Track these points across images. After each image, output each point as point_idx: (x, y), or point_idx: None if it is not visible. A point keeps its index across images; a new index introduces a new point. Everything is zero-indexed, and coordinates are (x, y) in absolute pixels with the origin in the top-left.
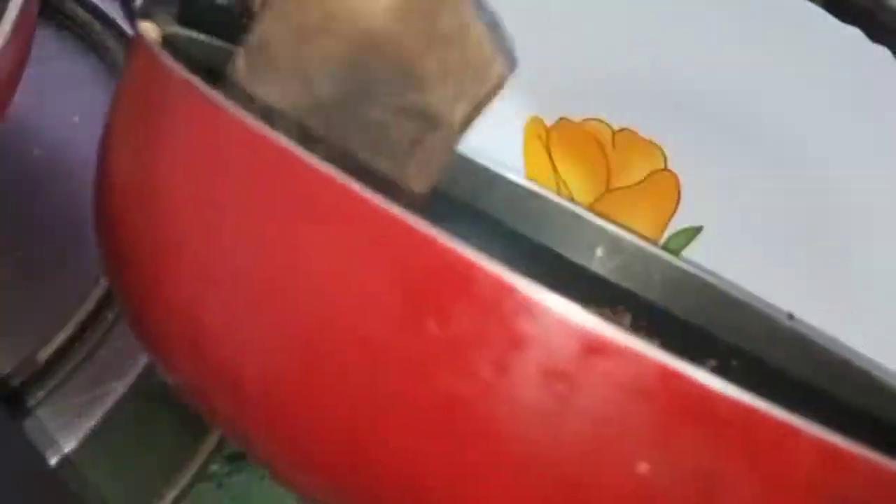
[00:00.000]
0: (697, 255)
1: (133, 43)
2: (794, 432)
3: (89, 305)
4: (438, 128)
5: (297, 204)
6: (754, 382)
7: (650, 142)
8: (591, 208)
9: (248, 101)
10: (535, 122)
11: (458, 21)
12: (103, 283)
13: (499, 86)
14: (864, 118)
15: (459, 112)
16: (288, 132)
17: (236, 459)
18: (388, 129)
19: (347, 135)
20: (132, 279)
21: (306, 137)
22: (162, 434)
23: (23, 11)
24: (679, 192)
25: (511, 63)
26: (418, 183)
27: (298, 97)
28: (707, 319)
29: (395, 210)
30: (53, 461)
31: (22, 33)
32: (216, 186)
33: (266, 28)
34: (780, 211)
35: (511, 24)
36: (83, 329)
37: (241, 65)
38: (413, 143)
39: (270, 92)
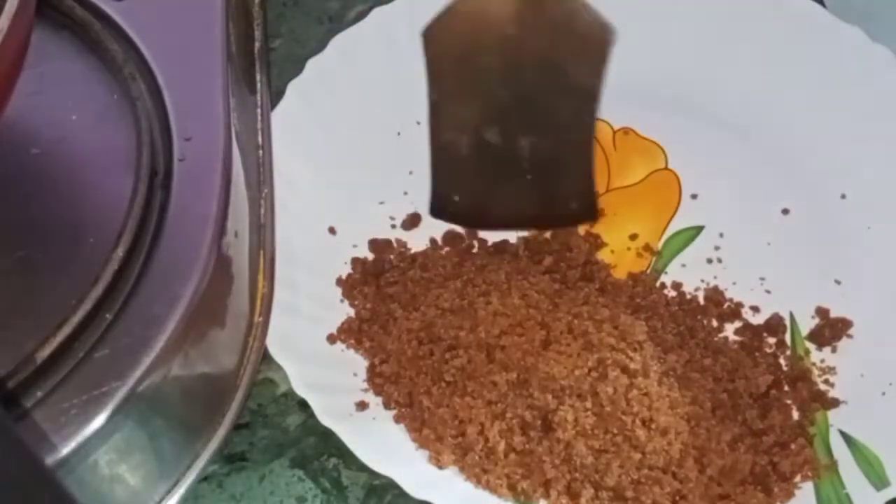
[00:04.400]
0: (698, 255)
1: None
2: None
3: (87, 306)
4: (587, 98)
5: None
6: None
7: (650, 141)
8: None
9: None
10: None
11: (566, 7)
12: (102, 283)
13: (611, 44)
14: (865, 117)
15: (597, 80)
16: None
17: (236, 459)
18: (556, 112)
19: (523, 132)
20: None
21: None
22: (162, 434)
23: (20, 7)
24: (680, 192)
25: (610, 26)
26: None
27: (480, 112)
28: None
29: None
30: (50, 462)
31: (20, 29)
32: None
33: (438, 67)
34: (781, 210)
35: None
36: (81, 329)
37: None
38: (575, 115)
39: (458, 113)
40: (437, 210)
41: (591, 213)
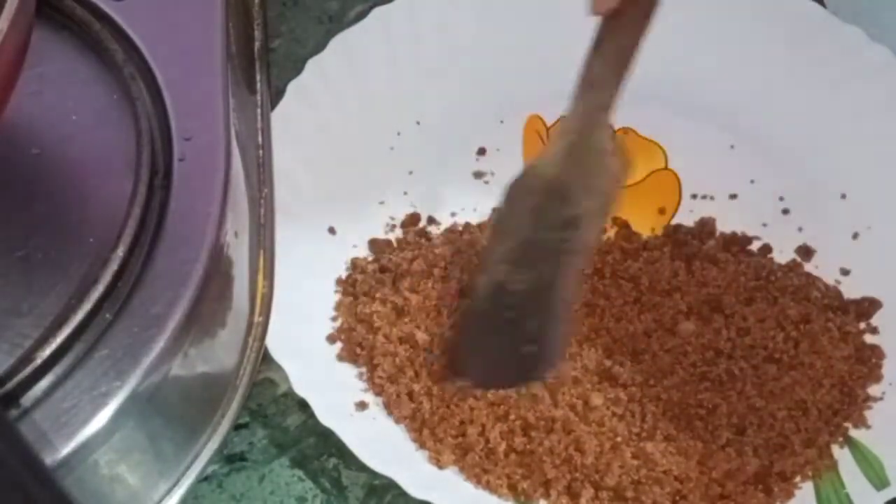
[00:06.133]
0: None
1: None
2: None
3: (87, 306)
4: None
5: None
6: None
7: (650, 141)
8: None
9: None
10: (535, 120)
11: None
12: (102, 283)
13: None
14: (865, 117)
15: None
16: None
17: (236, 460)
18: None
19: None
20: None
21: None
22: (162, 434)
23: (20, 7)
24: (680, 192)
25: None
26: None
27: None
28: None
29: None
30: (50, 462)
31: (20, 30)
32: None
33: None
34: (781, 210)
35: (513, 24)
36: (81, 329)
37: None
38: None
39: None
40: None
41: None
